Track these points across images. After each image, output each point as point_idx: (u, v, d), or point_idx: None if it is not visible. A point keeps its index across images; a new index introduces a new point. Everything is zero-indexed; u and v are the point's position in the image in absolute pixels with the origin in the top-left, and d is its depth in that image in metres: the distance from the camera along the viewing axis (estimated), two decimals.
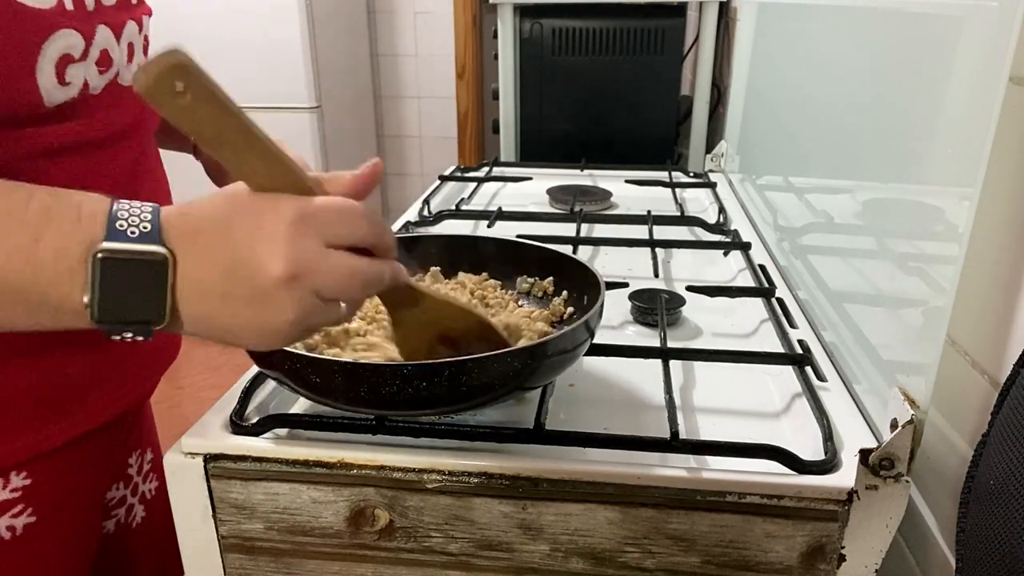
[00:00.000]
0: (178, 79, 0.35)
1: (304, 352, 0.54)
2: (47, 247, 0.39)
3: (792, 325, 0.76)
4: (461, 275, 0.71)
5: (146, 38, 0.61)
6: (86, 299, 0.39)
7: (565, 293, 0.67)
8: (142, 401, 0.72)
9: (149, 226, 0.40)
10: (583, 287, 0.65)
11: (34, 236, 0.39)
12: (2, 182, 0.41)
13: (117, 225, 0.39)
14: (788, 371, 0.67)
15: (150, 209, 0.41)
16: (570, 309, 0.66)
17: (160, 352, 0.68)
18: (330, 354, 0.59)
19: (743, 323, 0.79)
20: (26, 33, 0.47)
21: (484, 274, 0.71)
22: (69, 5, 0.50)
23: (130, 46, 0.58)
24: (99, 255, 0.39)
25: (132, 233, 0.39)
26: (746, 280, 0.88)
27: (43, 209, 0.39)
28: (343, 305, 0.44)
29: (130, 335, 0.41)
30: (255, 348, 0.45)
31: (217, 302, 0.41)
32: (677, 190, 1.23)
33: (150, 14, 0.62)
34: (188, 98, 0.36)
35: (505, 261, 0.71)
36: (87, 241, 0.39)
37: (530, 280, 0.70)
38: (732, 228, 1.03)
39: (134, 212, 0.40)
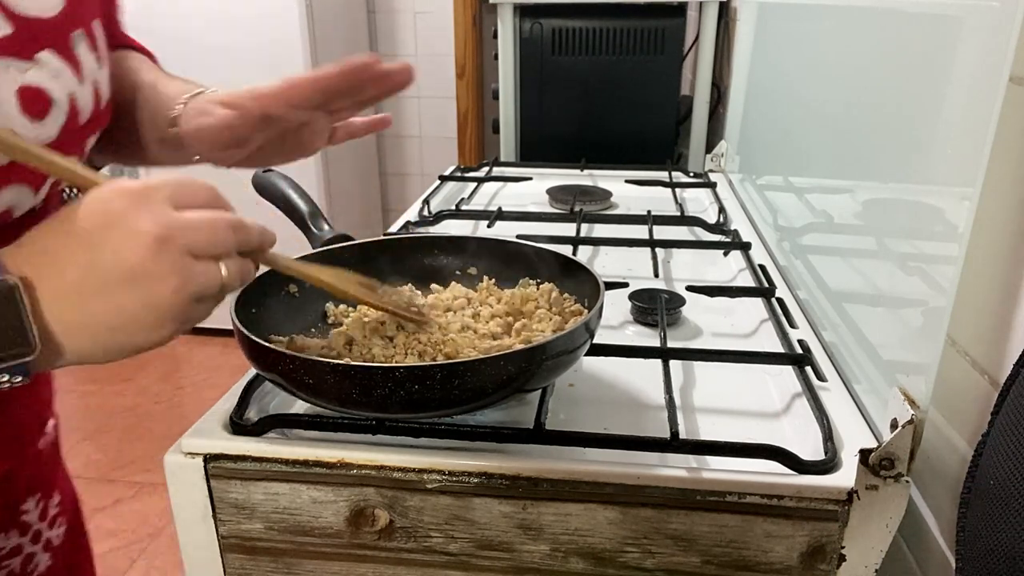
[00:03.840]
0: None
1: (297, 353, 0.54)
2: None
3: (792, 325, 0.76)
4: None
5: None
6: None
7: (566, 294, 0.67)
8: (24, 460, 0.63)
9: None
10: (583, 288, 0.65)
11: None
12: None
13: None
14: (788, 371, 0.67)
15: None
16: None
17: (29, 420, 0.62)
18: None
19: (743, 323, 0.79)
20: None
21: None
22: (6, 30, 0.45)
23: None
24: None
25: None
26: (746, 280, 0.88)
27: None
28: (222, 267, 0.42)
29: (6, 378, 0.38)
30: (151, 341, 0.42)
31: (90, 301, 0.39)
32: (677, 190, 1.23)
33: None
34: None
35: (505, 262, 0.70)
36: None
37: (532, 282, 0.70)
38: (732, 228, 1.03)
39: None
